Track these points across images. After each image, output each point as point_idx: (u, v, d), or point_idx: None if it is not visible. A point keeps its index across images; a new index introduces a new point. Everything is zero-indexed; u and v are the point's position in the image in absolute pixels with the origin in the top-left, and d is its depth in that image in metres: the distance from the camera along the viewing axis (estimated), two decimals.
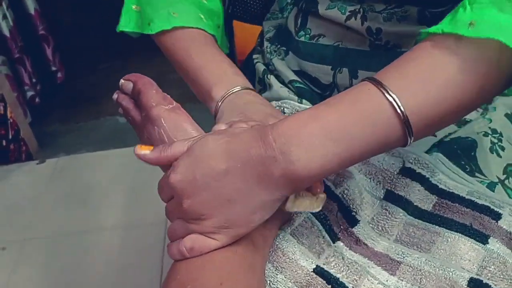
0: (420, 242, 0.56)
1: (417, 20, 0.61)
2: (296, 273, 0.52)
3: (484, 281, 0.52)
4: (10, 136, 1.74)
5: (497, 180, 0.61)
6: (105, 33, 2.61)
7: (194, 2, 0.69)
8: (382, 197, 0.59)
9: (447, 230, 0.56)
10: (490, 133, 0.66)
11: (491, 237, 0.55)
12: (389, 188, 0.59)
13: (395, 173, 0.59)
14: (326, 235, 0.57)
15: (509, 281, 0.53)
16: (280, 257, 0.53)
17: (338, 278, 0.53)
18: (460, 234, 0.55)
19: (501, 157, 0.64)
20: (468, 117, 0.67)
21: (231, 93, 0.60)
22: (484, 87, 0.43)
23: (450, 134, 0.67)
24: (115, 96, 0.58)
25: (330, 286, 0.52)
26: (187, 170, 0.45)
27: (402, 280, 0.54)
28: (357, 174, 0.60)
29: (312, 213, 0.58)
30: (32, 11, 1.88)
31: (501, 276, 0.53)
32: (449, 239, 0.55)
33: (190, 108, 1.80)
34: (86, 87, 2.19)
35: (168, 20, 0.66)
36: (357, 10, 0.64)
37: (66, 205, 1.61)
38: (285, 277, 0.52)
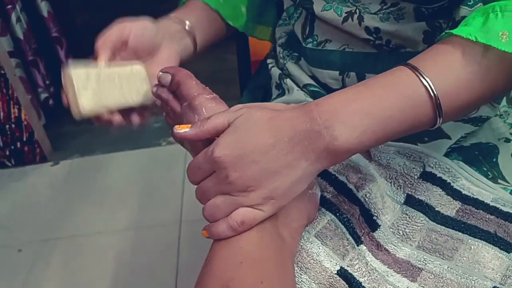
0: (442, 249, 0.55)
1: (415, 17, 0.60)
2: (320, 274, 0.52)
3: None
4: (25, 138, 1.75)
5: None
6: None
7: None
8: (403, 201, 0.58)
9: (471, 237, 0.55)
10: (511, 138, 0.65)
11: None
12: (410, 193, 0.58)
13: (416, 177, 0.58)
14: (350, 238, 0.57)
15: None
16: (305, 258, 0.53)
17: (361, 282, 0.52)
18: (484, 242, 0.54)
19: None
20: (484, 114, 0.65)
21: None
22: (510, 83, 0.47)
23: (467, 135, 0.66)
24: (154, 89, 0.60)
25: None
26: (234, 145, 0.46)
27: (422, 287, 0.53)
28: (378, 178, 0.60)
29: (335, 216, 0.58)
30: (45, 14, 1.88)
31: None
32: (472, 247, 0.54)
33: None
34: None
35: None
36: (353, 11, 0.63)
37: (80, 206, 1.62)
38: (309, 278, 0.52)
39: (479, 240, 0.54)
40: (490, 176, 0.61)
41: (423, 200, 0.57)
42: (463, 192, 0.57)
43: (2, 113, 1.67)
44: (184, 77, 0.56)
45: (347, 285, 0.52)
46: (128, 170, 1.75)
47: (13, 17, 1.70)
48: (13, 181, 1.75)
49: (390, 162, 0.60)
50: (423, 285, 0.53)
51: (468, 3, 0.51)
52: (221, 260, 0.48)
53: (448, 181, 0.58)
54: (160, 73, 0.58)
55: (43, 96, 1.88)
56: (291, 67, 0.74)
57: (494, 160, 0.62)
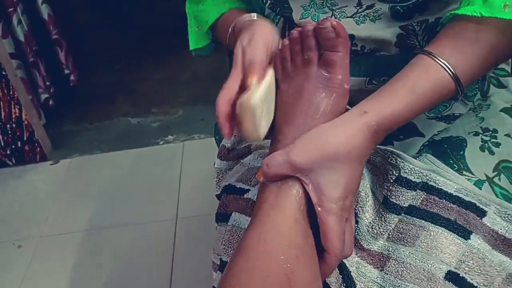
0: (406, 237, 0.58)
1: (391, 16, 0.63)
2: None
3: (461, 275, 0.54)
4: (25, 138, 1.79)
5: (484, 178, 0.63)
6: (118, 35, 2.66)
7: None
8: (381, 201, 0.61)
9: (432, 224, 0.57)
10: (481, 132, 0.68)
11: (473, 233, 0.57)
12: (386, 195, 0.60)
13: (391, 181, 0.60)
14: None
15: (486, 276, 0.55)
16: None
17: (350, 271, 0.56)
18: (444, 229, 0.57)
19: (493, 153, 0.65)
20: (457, 112, 0.68)
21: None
22: (508, 48, 0.55)
23: (439, 132, 0.69)
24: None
25: (341, 276, 0.55)
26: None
27: (387, 274, 0.56)
28: (367, 173, 0.62)
29: None
30: (45, 16, 1.92)
31: (478, 271, 0.55)
32: (432, 233, 0.57)
33: (201, 108, 1.86)
34: (99, 89, 2.23)
35: (219, 10, 0.76)
36: (329, 17, 0.65)
37: (80, 204, 1.66)
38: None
39: (440, 227, 0.57)
40: (456, 168, 0.63)
41: (397, 203, 0.59)
42: (429, 183, 0.60)
43: (3, 113, 1.71)
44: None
45: (337, 271, 0.55)
46: (126, 168, 1.78)
47: (15, 20, 1.74)
48: (14, 180, 1.79)
49: (376, 160, 0.62)
50: (388, 272, 0.56)
51: None
52: (280, 248, 0.50)
53: (420, 182, 0.60)
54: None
55: (44, 96, 1.92)
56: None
57: (462, 153, 0.65)
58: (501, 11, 0.50)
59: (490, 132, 0.68)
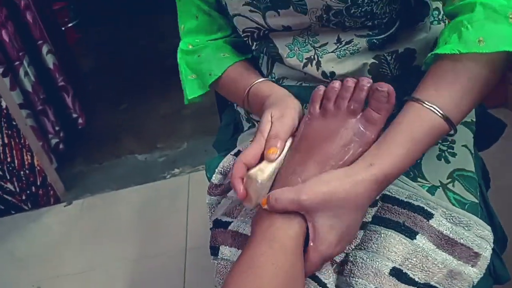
0: (362, 242, 0.64)
1: (369, 48, 0.70)
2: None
3: (404, 271, 0.60)
4: (39, 183, 1.87)
5: (438, 184, 0.68)
6: (121, 77, 2.78)
7: (221, 43, 0.83)
8: None
9: (384, 228, 0.63)
10: (440, 141, 0.72)
11: (419, 234, 0.62)
12: None
13: None
14: None
15: (428, 272, 0.61)
16: None
17: (326, 284, 0.61)
18: (393, 231, 0.63)
19: (449, 162, 0.70)
20: None
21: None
22: (493, 81, 0.59)
23: None
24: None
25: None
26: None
27: (343, 276, 0.62)
28: None
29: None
30: (51, 66, 2.02)
31: (421, 268, 0.61)
32: (382, 235, 0.63)
33: (205, 140, 1.93)
34: (105, 130, 2.33)
35: (222, 63, 0.80)
36: (312, 56, 0.73)
37: (93, 241, 1.73)
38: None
39: (390, 229, 0.63)
40: (411, 176, 0.68)
41: (365, 221, 0.64)
42: (385, 192, 0.65)
43: (16, 161, 1.80)
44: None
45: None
46: (135, 204, 1.85)
47: (21, 72, 1.85)
48: (30, 223, 1.86)
49: None
50: (345, 275, 0.62)
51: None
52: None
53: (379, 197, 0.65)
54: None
55: (54, 141, 2.01)
56: None
57: (418, 161, 0.69)
58: (476, 46, 0.54)
59: (448, 143, 0.72)
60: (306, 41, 0.73)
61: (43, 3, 2.09)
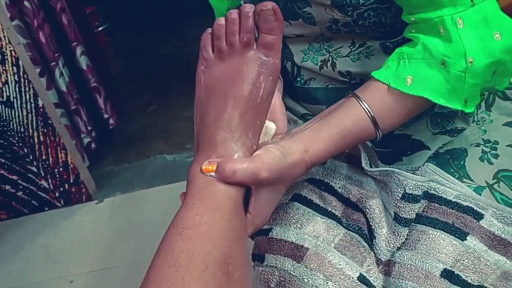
0: (409, 241, 0.63)
1: (383, 52, 0.70)
2: (343, 280, 0.61)
3: (456, 272, 0.59)
4: (71, 180, 1.92)
5: (485, 185, 0.67)
6: (149, 80, 2.82)
7: None
8: (393, 217, 0.67)
9: (432, 228, 0.63)
10: (482, 143, 0.73)
11: (470, 235, 0.62)
12: (395, 211, 0.66)
13: (398, 198, 0.66)
14: (365, 244, 0.65)
15: (480, 273, 0.59)
16: (328, 267, 0.61)
17: (375, 286, 0.61)
18: (442, 231, 0.62)
19: (492, 164, 0.70)
20: (459, 126, 0.74)
21: None
22: (419, 109, 0.64)
23: (444, 145, 0.75)
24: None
25: None
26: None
27: (391, 278, 0.62)
28: (379, 193, 0.68)
29: (348, 229, 0.66)
30: (84, 67, 2.07)
31: (473, 269, 0.59)
32: (431, 236, 0.62)
33: None
34: (135, 130, 2.37)
35: None
36: (326, 59, 0.74)
37: (124, 239, 1.76)
38: (334, 284, 0.60)
39: (438, 230, 0.62)
40: (456, 176, 0.68)
41: (407, 218, 0.65)
42: (430, 191, 0.65)
43: (51, 159, 1.85)
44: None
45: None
46: (164, 203, 1.88)
47: (57, 73, 1.90)
48: (63, 220, 1.91)
49: (384, 180, 0.68)
50: (393, 276, 0.62)
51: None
52: (222, 231, 0.50)
53: (424, 193, 0.66)
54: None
55: (86, 140, 2.06)
56: (288, 101, 0.85)
57: (462, 162, 0.70)
58: (404, 85, 0.59)
59: (491, 144, 0.72)
60: (321, 46, 0.74)
61: (77, 6, 2.15)
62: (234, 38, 0.57)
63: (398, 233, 0.65)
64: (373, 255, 0.65)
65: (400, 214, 0.65)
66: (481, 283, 0.59)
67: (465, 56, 0.57)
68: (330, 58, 0.74)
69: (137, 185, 2.01)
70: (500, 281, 0.59)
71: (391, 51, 0.69)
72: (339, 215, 0.68)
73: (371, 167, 0.69)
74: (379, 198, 0.67)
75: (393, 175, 0.66)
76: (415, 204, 0.65)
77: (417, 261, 0.60)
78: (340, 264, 0.61)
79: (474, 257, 0.60)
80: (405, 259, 0.62)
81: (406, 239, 0.64)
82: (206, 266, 0.46)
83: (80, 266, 1.69)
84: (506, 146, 0.73)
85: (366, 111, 0.61)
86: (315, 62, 0.75)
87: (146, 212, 1.86)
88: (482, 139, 0.74)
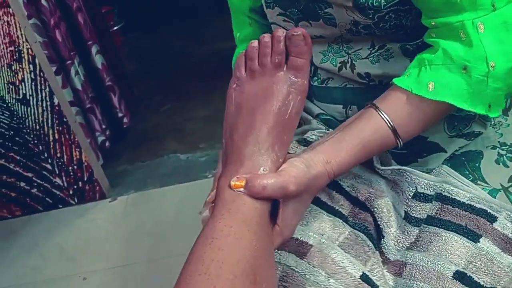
0: (421, 243, 0.63)
1: (403, 54, 0.70)
2: (345, 278, 0.61)
3: (468, 274, 0.59)
4: (85, 178, 1.93)
5: (500, 187, 0.67)
6: (163, 80, 2.84)
7: None
8: (403, 216, 0.66)
9: (444, 230, 0.63)
10: (499, 146, 0.73)
11: (483, 237, 0.61)
12: (406, 210, 0.66)
13: (409, 197, 0.66)
14: (370, 243, 0.65)
15: (493, 275, 0.59)
16: (331, 265, 0.61)
17: (378, 286, 0.61)
18: (455, 233, 0.62)
19: (508, 167, 0.70)
20: (476, 129, 0.74)
21: None
22: (440, 116, 0.65)
23: (461, 148, 0.74)
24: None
25: None
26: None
27: (402, 278, 0.61)
28: (389, 192, 0.68)
29: (353, 228, 0.66)
30: (99, 66, 2.09)
31: (486, 271, 0.59)
32: (444, 238, 0.62)
33: None
34: (149, 129, 2.38)
35: None
36: (345, 60, 0.73)
37: (137, 237, 1.77)
38: (336, 281, 0.60)
39: (451, 232, 0.62)
40: (471, 178, 0.68)
41: (418, 217, 0.65)
42: (443, 193, 0.65)
43: (65, 156, 1.86)
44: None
45: (370, 287, 0.60)
46: (178, 201, 1.89)
47: (72, 71, 1.92)
48: (77, 218, 1.92)
49: (396, 179, 0.68)
50: (404, 277, 0.61)
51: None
52: (249, 243, 0.51)
53: (436, 194, 0.66)
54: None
55: (100, 139, 2.07)
56: None
57: (477, 164, 0.70)
58: (426, 91, 0.59)
59: (507, 147, 0.72)
60: (341, 48, 0.74)
61: (93, 5, 2.17)
62: (266, 60, 0.62)
63: (408, 232, 0.65)
64: (378, 254, 0.64)
65: (410, 213, 0.65)
66: (493, 285, 0.59)
67: (486, 61, 0.57)
68: (349, 60, 0.73)
69: (150, 184, 2.02)
70: None
71: (411, 54, 0.69)
72: (346, 214, 0.68)
73: (383, 166, 0.69)
74: (388, 198, 0.67)
75: (405, 174, 0.66)
76: (426, 204, 0.65)
77: (429, 263, 0.60)
78: (343, 262, 0.61)
79: (487, 259, 0.60)
80: (417, 260, 0.61)
81: (417, 240, 0.64)
82: (235, 276, 0.48)
83: (94, 263, 1.70)
84: None
85: (385, 121, 0.61)
86: (334, 64, 0.75)
87: (159, 211, 1.87)
88: (499, 142, 0.74)
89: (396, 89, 0.62)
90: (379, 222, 0.66)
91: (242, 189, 0.55)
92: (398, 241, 0.65)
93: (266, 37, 0.63)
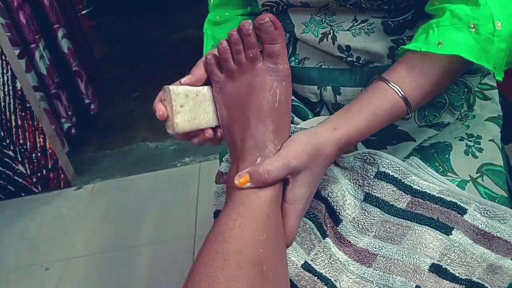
0: (393, 236, 0.63)
1: (383, 30, 0.70)
2: (287, 266, 0.60)
3: (443, 266, 0.59)
4: (50, 166, 1.88)
5: (468, 179, 0.68)
6: (133, 66, 2.78)
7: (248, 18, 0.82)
8: (362, 199, 0.66)
9: (417, 224, 0.63)
10: (466, 137, 0.73)
11: (455, 229, 0.62)
12: (367, 191, 0.66)
13: (372, 177, 0.66)
14: (317, 232, 0.65)
15: (467, 266, 0.60)
16: None
17: (322, 273, 0.60)
18: (427, 227, 0.62)
19: (477, 157, 0.71)
20: (446, 120, 0.75)
21: None
22: (450, 80, 0.64)
23: (429, 138, 0.74)
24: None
25: (316, 277, 0.60)
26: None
27: (375, 270, 0.61)
28: (342, 179, 0.68)
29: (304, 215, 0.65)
30: (66, 50, 2.03)
31: (460, 263, 0.60)
32: (417, 231, 0.62)
33: None
34: (118, 117, 2.33)
35: None
36: (328, 32, 0.73)
37: (102, 226, 1.73)
38: None
39: (424, 226, 0.62)
40: (440, 170, 0.68)
41: (379, 196, 0.65)
42: (413, 186, 0.65)
43: (28, 143, 1.80)
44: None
45: (311, 275, 0.60)
46: (146, 191, 1.85)
47: (37, 55, 1.85)
48: (41, 206, 1.87)
49: (353, 165, 0.68)
50: (376, 269, 0.61)
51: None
52: (254, 233, 0.52)
53: (399, 178, 0.66)
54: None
55: (66, 125, 2.01)
56: None
57: (447, 156, 0.70)
58: (435, 47, 0.58)
59: (474, 138, 0.73)
60: (323, 20, 0.74)
61: None
62: (241, 57, 0.61)
63: (369, 213, 0.65)
64: (324, 244, 0.64)
65: (372, 193, 0.66)
66: (468, 276, 0.59)
67: (492, 20, 0.58)
68: (331, 31, 0.73)
69: (118, 172, 1.98)
70: (487, 275, 0.60)
71: (392, 31, 0.69)
72: None
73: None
74: (341, 184, 0.68)
75: (368, 157, 0.67)
76: (388, 184, 0.65)
77: (404, 256, 0.61)
78: (287, 250, 0.61)
79: (460, 250, 0.61)
80: (391, 253, 0.61)
81: (387, 232, 0.64)
82: (240, 266, 0.48)
83: (57, 253, 1.66)
84: (489, 140, 0.73)
85: (396, 91, 0.60)
86: (316, 34, 0.74)
87: (126, 200, 1.83)
88: (466, 133, 0.75)
89: (403, 59, 0.62)
90: (334, 207, 0.66)
91: (249, 184, 0.56)
92: (358, 222, 0.65)
93: (234, 34, 0.61)
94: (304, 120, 0.78)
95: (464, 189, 0.66)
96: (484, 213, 0.63)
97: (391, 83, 0.60)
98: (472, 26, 0.58)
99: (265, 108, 0.60)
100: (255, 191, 0.56)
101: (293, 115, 0.79)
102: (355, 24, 0.71)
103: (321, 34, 0.74)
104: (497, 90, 0.82)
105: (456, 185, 0.66)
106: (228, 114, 0.63)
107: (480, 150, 0.72)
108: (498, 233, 0.62)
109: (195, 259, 0.52)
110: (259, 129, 0.59)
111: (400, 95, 0.60)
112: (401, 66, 0.62)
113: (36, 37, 1.86)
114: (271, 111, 0.60)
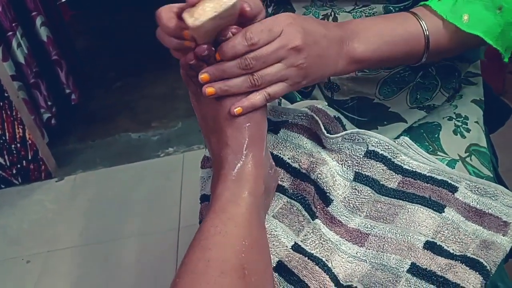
0: (385, 215, 0.62)
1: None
2: (277, 247, 0.59)
3: (438, 243, 0.59)
4: (30, 157, 1.83)
5: (458, 158, 0.68)
6: (115, 56, 2.73)
7: None
8: (352, 179, 0.66)
9: (409, 203, 0.62)
10: (455, 117, 0.74)
11: (447, 207, 0.62)
12: (357, 170, 0.66)
13: (361, 156, 0.65)
14: (306, 213, 0.64)
15: (461, 243, 0.60)
16: None
17: (313, 253, 0.59)
18: (419, 205, 0.62)
19: (465, 137, 0.71)
20: (437, 103, 0.75)
21: None
22: (463, 49, 0.66)
23: (419, 120, 0.75)
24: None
25: (307, 258, 0.58)
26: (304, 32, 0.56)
27: (368, 249, 0.60)
28: (330, 161, 0.67)
29: (290, 198, 0.64)
30: (45, 38, 1.98)
31: (454, 239, 0.60)
32: (409, 210, 0.62)
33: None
34: (99, 107, 2.28)
35: None
36: (329, 13, 0.72)
37: (85, 218, 1.70)
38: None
39: (416, 204, 0.62)
40: (430, 150, 0.69)
41: (369, 175, 0.65)
42: (404, 166, 0.65)
43: (7, 134, 1.76)
44: None
45: (301, 255, 0.59)
46: (129, 182, 1.82)
47: (14, 43, 1.80)
48: (21, 198, 1.83)
49: (340, 147, 0.67)
50: (369, 248, 0.60)
51: None
52: (237, 239, 0.52)
53: (389, 157, 0.65)
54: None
55: (46, 116, 1.97)
56: None
57: (436, 135, 0.71)
58: (459, 21, 0.59)
59: (462, 118, 0.74)
60: (324, 4, 0.73)
61: None
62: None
63: (359, 192, 0.65)
64: (313, 225, 0.63)
65: (362, 172, 0.66)
66: (463, 252, 0.59)
67: None
68: (332, 13, 0.73)
69: (100, 163, 1.95)
70: (481, 250, 0.60)
71: None
72: (286, 186, 0.67)
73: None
74: (330, 166, 0.67)
75: (356, 137, 0.66)
76: (377, 163, 0.65)
77: (398, 235, 0.60)
78: (276, 231, 0.61)
79: (453, 227, 0.61)
80: (384, 232, 0.61)
81: (379, 211, 0.63)
82: (221, 272, 0.49)
83: (38, 246, 1.63)
84: (474, 122, 0.75)
85: (422, 27, 0.60)
86: (317, 16, 0.74)
87: (108, 191, 1.80)
88: (454, 113, 0.76)
89: (431, 11, 0.62)
90: (324, 188, 0.65)
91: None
92: (349, 201, 0.65)
93: (193, 60, 0.58)
94: (292, 103, 0.77)
95: (454, 169, 0.67)
96: (475, 191, 0.63)
97: (420, 18, 0.61)
98: (499, 8, 0.59)
99: (240, 117, 0.59)
100: (238, 197, 0.55)
101: (281, 97, 0.78)
102: (357, 7, 0.71)
103: (322, 16, 0.73)
104: (481, 77, 0.84)
105: (446, 165, 0.67)
106: (204, 123, 0.62)
107: (468, 130, 0.72)
108: (489, 210, 0.62)
109: (180, 265, 0.52)
110: (232, 134, 0.59)
111: (425, 32, 0.60)
112: (427, 11, 0.62)
113: (13, 24, 1.80)
114: (247, 119, 0.59)
